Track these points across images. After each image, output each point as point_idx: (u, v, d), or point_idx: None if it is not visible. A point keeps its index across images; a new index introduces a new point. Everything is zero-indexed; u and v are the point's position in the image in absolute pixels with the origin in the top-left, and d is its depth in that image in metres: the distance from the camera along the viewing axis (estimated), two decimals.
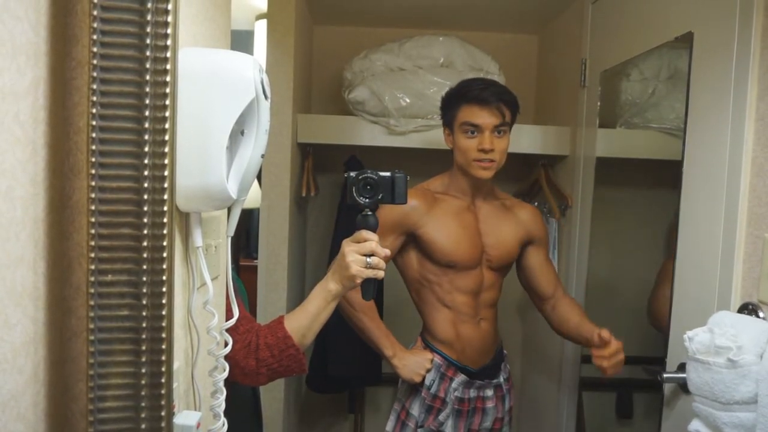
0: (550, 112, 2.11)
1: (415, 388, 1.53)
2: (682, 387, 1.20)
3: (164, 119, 0.47)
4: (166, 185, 0.47)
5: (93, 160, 0.45)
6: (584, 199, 1.78)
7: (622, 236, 1.79)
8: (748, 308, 1.02)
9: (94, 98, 0.45)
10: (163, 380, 0.48)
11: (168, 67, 0.46)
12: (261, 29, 1.94)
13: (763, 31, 1.01)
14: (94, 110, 0.45)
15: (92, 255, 0.46)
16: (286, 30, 1.74)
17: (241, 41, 2.07)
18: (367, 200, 1.05)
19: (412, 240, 1.49)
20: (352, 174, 1.05)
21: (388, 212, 1.48)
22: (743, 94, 1.04)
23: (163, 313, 0.48)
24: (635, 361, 1.87)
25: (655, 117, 1.63)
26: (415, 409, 1.50)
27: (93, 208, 0.46)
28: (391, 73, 1.91)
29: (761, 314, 0.99)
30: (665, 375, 1.20)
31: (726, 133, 1.09)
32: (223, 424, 0.81)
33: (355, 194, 1.04)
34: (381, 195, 1.05)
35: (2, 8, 0.40)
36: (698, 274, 1.17)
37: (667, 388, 1.26)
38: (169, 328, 0.48)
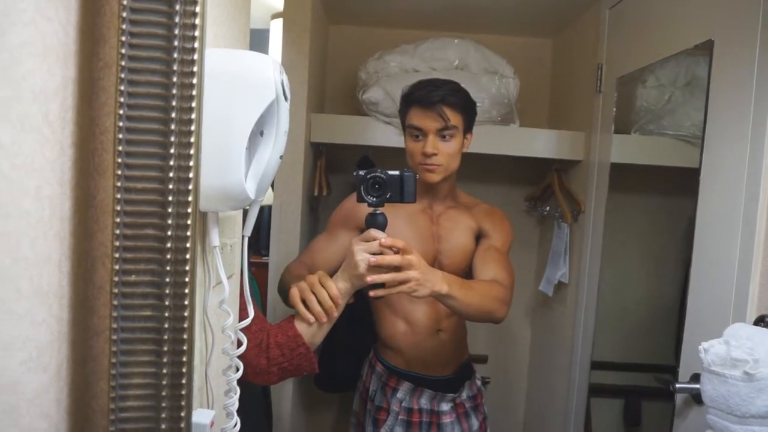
0: (564, 117, 2.10)
1: (363, 400, 1.51)
2: (695, 398, 1.19)
3: (190, 121, 0.47)
4: (190, 186, 0.47)
5: (119, 160, 0.46)
6: (597, 204, 1.77)
7: (635, 242, 1.78)
8: (765, 321, 1.01)
9: (122, 99, 0.45)
10: (183, 381, 0.48)
11: (195, 69, 0.47)
12: (276, 28, 1.94)
13: None
14: (121, 111, 0.45)
15: (116, 255, 0.46)
16: (302, 30, 1.74)
17: (257, 40, 2.07)
18: (375, 199, 1.05)
19: None
20: (361, 172, 1.05)
21: (338, 209, 1.49)
22: (764, 103, 1.03)
23: (185, 314, 0.48)
24: (645, 368, 1.86)
25: (671, 124, 1.61)
26: (367, 422, 1.48)
27: (118, 208, 0.46)
28: (405, 75, 1.90)
29: None
30: (678, 385, 1.18)
31: (746, 142, 1.08)
32: (236, 424, 0.81)
33: (363, 193, 1.05)
34: (390, 194, 1.05)
35: (33, 9, 0.41)
36: (714, 285, 1.16)
37: (679, 398, 1.25)
38: (191, 329, 0.48)
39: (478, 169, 2.20)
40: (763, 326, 0.99)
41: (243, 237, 0.81)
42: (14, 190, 0.39)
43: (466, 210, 1.51)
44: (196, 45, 0.46)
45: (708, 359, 0.95)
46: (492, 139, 1.90)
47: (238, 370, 0.81)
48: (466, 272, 1.46)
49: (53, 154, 0.44)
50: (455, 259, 1.45)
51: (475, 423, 1.51)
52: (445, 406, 1.47)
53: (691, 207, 1.30)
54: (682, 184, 1.58)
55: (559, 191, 1.96)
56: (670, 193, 1.70)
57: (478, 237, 1.49)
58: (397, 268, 1.03)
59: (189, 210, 0.47)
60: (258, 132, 0.76)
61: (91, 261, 0.50)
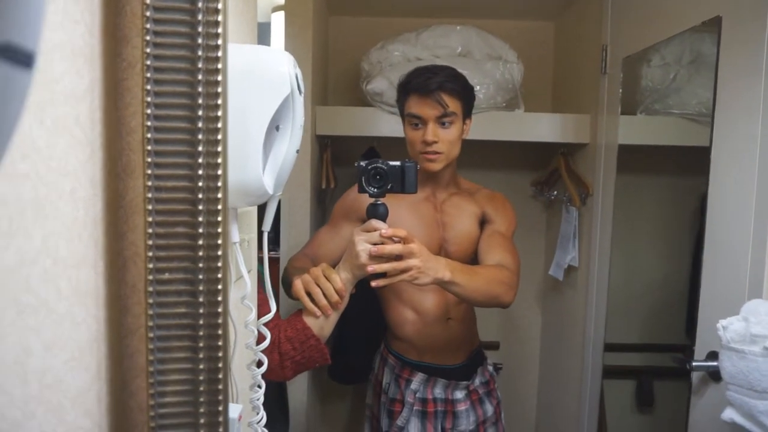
0: (569, 100, 2.10)
1: (377, 393, 1.52)
2: (711, 375, 1.20)
3: (217, 118, 0.47)
4: (220, 183, 0.47)
5: (149, 160, 0.46)
6: (606, 186, 1.77)
7: (644, 223, 1.78)
8: None
9: (149, 99, 0.46)
10: (220, 375, 0.49)
11: (219, 66, 0.47)
12: (277, 21, 1.93)
13: None
14: (149, 111, 0.46)
15: (150, 254, 0.46)
16: (304, 22, 1.74)
17: (258, 34, 2.06)
18: (376, 190, 1.05)
19: None
20: (362, 163, 1.05)
21: (340, 201, 1.48)
22: None
23: (219, 309, 0.49)
24: (656, 349, 1.87)
25: (677, 103, 1.61)
26: (382, 415, 1.48)
27: (150, 207, 0.46)
28: (408, 64, 1.89)
29: None
30: (695, 363, 1.19)
31: (757, 119, 1.08)
32: (262, 418, 0.82)
33: (364, 184, 1.05)
34: (391, 185, 1.05)
35: (61, 12, 0.41)
36: (728, 262, 1.16)
37: (696, 376, 1.26)
38: (225, 323, 0.49)
39: (483, 155, 2.20)
40: None
41: (263, 232, 0.82)
42: (51, 193, 0.40)
43: (469, 196, 1.50)
44: (220, 42, 0.46)
45: (727, 336, 0.96)
46: (497, 125, 1.89)
47: (261, 364, 0.82)
48: (472, 258, 1.46)
49: (84, 155, 0.44)
50: (461, 246, 1.45)
51: (489, 408, 1.52)
52: (459, 394, 1.48)
53: (700, 186, 1.30)
54: (689, 163, 1.58)
55: (566, 175, 1.96)
56: (677, 172, 1.70)
57: (483, 222, 1.49)
58: (399, 257, 1.03)
59: (219, 207, 0.47)
60: (274, 127, 0.76)
61: (123, 261, 0.51)
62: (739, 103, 1.14)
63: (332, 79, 2.24)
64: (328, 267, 1.08)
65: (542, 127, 1.92)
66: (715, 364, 1.16)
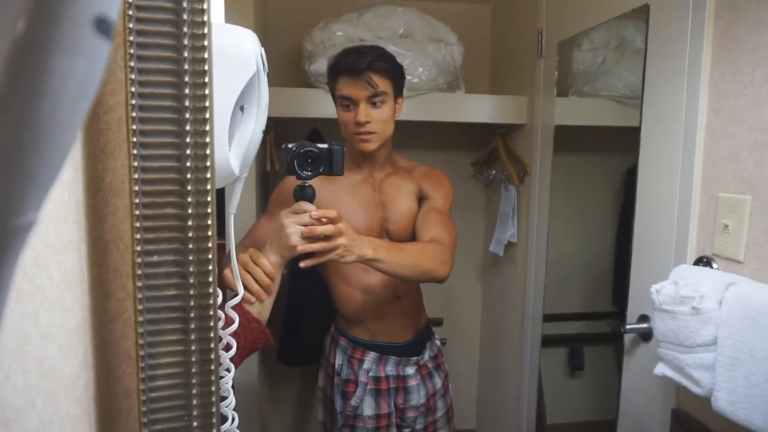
0: (506, 82, 2.17)
1: (330, 375, 1.54)
2: (642, 336, 1.31)
3: (204, 97, 0.46)
4: (208, 163, 0.47)
5: (134, 140, 0.45)
6: (543, 165, 1.86)
7: (579, 199, 1.90)
8: (703, 261, 1.12)
9: (132, 76, 0.44)
10: (212, 356, 0.49)
11: (205, 43, 0.46)
12: None
13: (717, 4, 1.09)
14: (132, 89, 0.44)
15: (138, 236, 0.45)
16: None
17: None
18: (309, 173, 1.05)
19: None
20: (291, 146, 1.05)
21: (277, 190, 1.46)
22: (697, 64, 1.13)
23: (210, 290, 0.48)
24: (588, 317, 2.01)
25: (604, 86, 1.71)
26: (335, 396, 1.51)
27: (136, 189, 0.45)
28: (351, 44, 1.89)
29: (714, 266, 1.09)
30: (628, 326, 1.30)
31: (681, 100, 1.18)
32: (232, 401, 0.82)
33: (297, 167, 1.05)
34: (322, 168, 1.06)
35: None
36: (656, 232, 1.27)
37: (627, 338, 1.37)
38: (215, 304, 0.49)
39: (424, 136, 2.24)
40: (702, 266, 1.11)
41: (229, 215, 0.80)
42: None
43: (407, 174, 1.52)
44: (206, 18, 0.45)
45: (659, 299, 1.05)
46: (439, 106, 1.94)
47: (230, 348, 0.82)
48: (414, 236, 1.48)
49: None
50: (402, 225, 1.47)
51: (438, 382, 1.58)
52: (410, 370, 1.52)
53: (625, 163, 1.39)
54: (616, 142, 1.70)
55: (505, 155, 2.04)
56: (605, 151, 1.82)
57: (420, 199, 1.51)
58: (327, 237, 1.05)
59: (208, 187, 0.47)
60: (238, 107, 0.75)
61: (104, 244, 0.49)
62: (665, 86, 1.23)
63: (272, 59, 2.18)
64: (255, 251, 1.06)
65: (482, 109, 1.99)
66: (645, 326, 1.27)
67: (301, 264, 1.06)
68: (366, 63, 1.33)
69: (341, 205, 1.39)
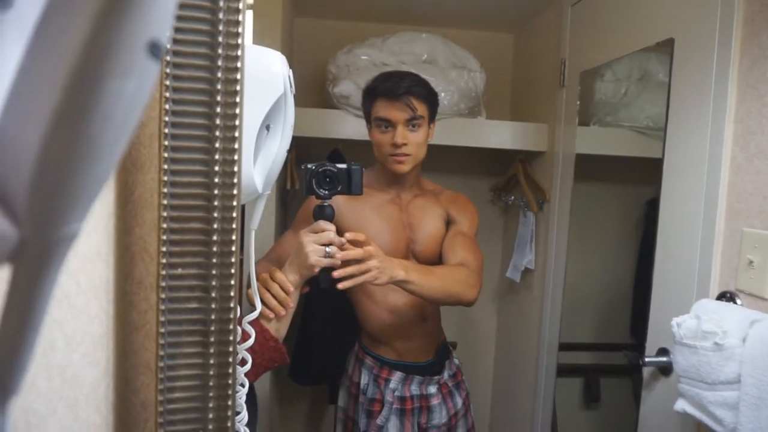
0: (526, 109, 2.18)
1: (353, 394, 1.54)
2: (662, 370, 1.29)
3: (235, 116, 0.48)
4: (235, 180, 0.48)
5: (165, 155, 0.46)
6: (563, 193, 1.86)
7: (597, 228, 1.88)
8: (726, 296, 1.10)
9: (167, 94, 0.46)
10: (230, 370, 0.49)
11: (239, 64, 0.47)
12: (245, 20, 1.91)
13: (743, 39, 1.09)
14: (167, 106, 0.46)
15: (163, 249, 0.46)
16: (272, 22, 1.73)
17: None
18: (327, 192, 1.07)
19: None
20: (311, 166, 1.07)
21: (303, 207, 1.49)
22: (723, 98, 1.12)
23: (231, 305, 0.49)
24: (605, 348, 1.97)
25: (626, 117, 1.71)
26: (359, 415, 1.50)
27: (165, 202, 0.46)
28: (375, 68, 1.92)
29: (738, 301, 1.07)
30: (647, 359, 1.27)
31: (706, 134, 1.17)
32: (245, 416, 0.82)
33: (315, 186, 1.07)
34: (340, 187, 1.08)
35: None
36: (678, 265, 1.25)
37: (646, 371, 1.34)
38: (235, 319, 0.50)
39: (445, 160, 2.25)
40: (725, 301, 1.09)
41: (251, 231, 0.82)
42: None
43: (433, 197, 1.55)
44: (240, 41, 0.47)
45: (680, 333, 1.03)
46: (460, 131, 1.95)
47: (245, 363, 0.82)
48: (440, 259, 1.50)
49: None
50: (428, 246, 1.49)
51: (459, 401, 1.58)
52: (432, 389, 1.53)
53: (646, 194, 1.38)
54: (637, 172, 1.69)
55: (524, 181, 2.04)
56: (626, 181, 1.81)
57: (448, 223, 1.53)
58: (358, 261, 1.07)
59: (234, 203, 0.48)
60: (264, 126, 0.76)
61: (130, 256, 0.50)
62: (689, 119, 1.23)
63: (296, 81, 2.23)
64: (274, 269, 1.08)
65: (502, 135, 1.99)
66: (665, 359, 1.24)
67: (340, 286, 1.08)
68: (405, 87, 1.38)
69: (367, 224, 1.41)
